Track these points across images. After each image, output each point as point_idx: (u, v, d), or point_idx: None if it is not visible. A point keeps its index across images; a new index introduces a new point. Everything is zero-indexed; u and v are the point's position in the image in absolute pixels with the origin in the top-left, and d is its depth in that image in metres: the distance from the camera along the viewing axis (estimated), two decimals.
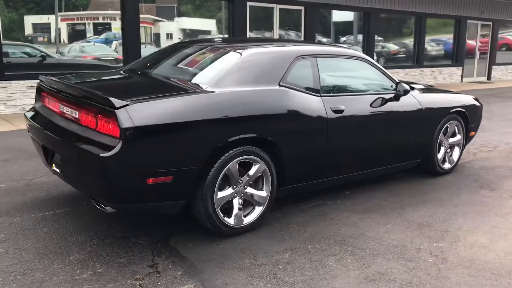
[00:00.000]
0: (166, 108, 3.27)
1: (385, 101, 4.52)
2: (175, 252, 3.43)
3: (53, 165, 3.72)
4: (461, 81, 16.98)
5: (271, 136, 3.69)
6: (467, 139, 5.71)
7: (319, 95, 4.06)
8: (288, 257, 3.38)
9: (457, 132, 5.51)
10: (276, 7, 11.74)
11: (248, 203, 3.77)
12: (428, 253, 3.49)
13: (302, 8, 12.11)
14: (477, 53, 17.71)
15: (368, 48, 13.65)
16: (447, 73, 16.41)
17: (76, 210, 4.09)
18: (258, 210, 3.78)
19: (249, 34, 11.32)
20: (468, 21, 16.72)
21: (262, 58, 3.92)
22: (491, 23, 17.79)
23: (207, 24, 11.31)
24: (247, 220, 3.73)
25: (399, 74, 14.33)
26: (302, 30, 12.26)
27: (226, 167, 3.49)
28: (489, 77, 18.20)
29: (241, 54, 3.86)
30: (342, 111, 4.15)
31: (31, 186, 4.67)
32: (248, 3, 11.07)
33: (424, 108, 4.92)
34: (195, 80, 3.78)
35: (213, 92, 3.51)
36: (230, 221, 3.62)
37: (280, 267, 3.24)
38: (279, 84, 3.85)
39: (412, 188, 5.00)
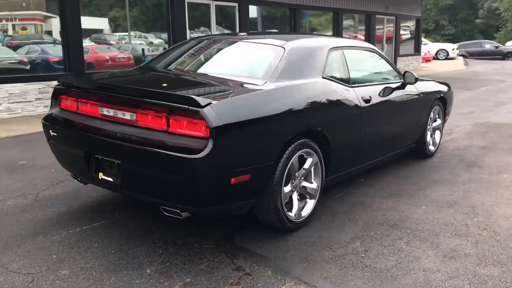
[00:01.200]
0: (244, 104, 3.17)
1: (396, 89, 4.76)
2: (249, 251, 3.33)
3: (100, 174, 3.39)
4: None
5: (321, 127, 3.71)
6: (443, 123, 6.18)
7: (350, 85, 4.16)
8: (361, 245, 3.44)
9: (437, 117, 5.94)
10: (212, 4, 11.64)
11: (302, 196, 3.76)
12: (477, 227, 3.75)
13: (236, 4, 12.14)
14: (385, 45, 19.03)
15: None
16: None
17: (113, 222, 3.77)
18: (311, 203, 3.79)
19: (188, 31, 11.10)
20: (377, 16, 17.90)
21: (304, 51, 3.93)
22: (394, 17, 19.20)
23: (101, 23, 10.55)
24: (304, 213, 3.73)
25: None
26: (237, 25, 12.29)
27: (290, 162, 3.46)
28: None
29: (284, 48, 3.82)
30: (370, 100, 4.29)
31: (43, 201, 4.19)
32: (186, 0, 10.84)
33: (421, 95, 5.25)
34: (249, 75, 3.68)
35: (276, 86, 3.46)
36: (292, 215, 3.60)
37: (363, 255, 3.29)
38: (322, 76, 3.90)
39: (414, 171, 5.31)
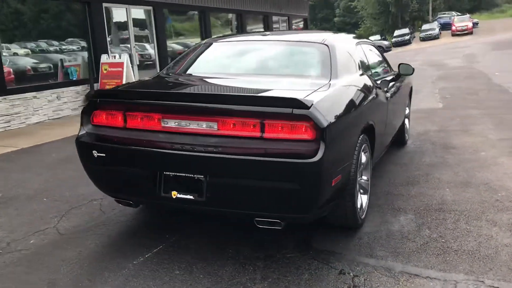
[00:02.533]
0: (336, 101, 3.13)
1: (396, 80, 4.99)
2: (336, 253, 3.25)
3: (174, 192, 3.02)
4: None
5: (372, 121, 3.74)
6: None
7: (374, 79, 4.25)
8: (432, 232, 3.54)
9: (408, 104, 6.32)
10: (129, 8, 11.01)
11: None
12: (509, 201, 4.06)
13: (151, 8, 11.64)
14: None
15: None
16: None
17: (171, 245, 3.41)
18: (365, 198, 3.79)
19: (108, 36, 10.37)
20: (273, 16, 18.45)
21: (343, 47, 3.92)
22: (287, 17, 19.95)
23: None
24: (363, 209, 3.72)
25: None
26: (154, 28, 11.82)
27: (359, 158, 3.43)
28: None
29: (327, 45, 3.77)
30: (388, 91, 4.43)
31: (69, 234, 3.62)
32: (104, 5, 10.10)
33: (404, 85, 5.55)
34: (305, 74, 3.57)
35: (343, 84, 3.41)
36: (361, 213, 3.57)
37: (442, 241, 3.39)
38: (359, 71, 3.93)
39: (404, 158, 5.59)
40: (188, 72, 4.00)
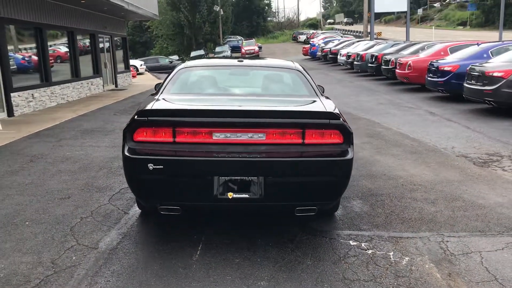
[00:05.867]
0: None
1: None
2: (335, 231, 4.22)
3: (230, 194, 3.61)
4: (104, 90, 18.43)
5: None
6: None
7: None
8: (385, 209, 4.78)
9: None
10: None
11: None
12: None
13: None
14: (107, 63, 19.45)
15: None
16: (95, 84, 17.50)
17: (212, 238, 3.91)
18: None
19: None
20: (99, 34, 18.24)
21: (306, 72, 4.94)
22: (109, 36, 19.86)
23: None
24: None
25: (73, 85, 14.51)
26: None
27: None
28: (116, 85, 20.36)
29: (299, 71, 4.81)
30: None
31: (116, 253, 3.76)
32: None
33: None
34: (296, 94, 4.61)
35: (327, 100, 4.44)
36: None
37: (396, 213, 4.66)
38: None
39: None
40: (196, 92, 4.53)
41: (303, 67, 5.03)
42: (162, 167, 3.57)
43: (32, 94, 12.51)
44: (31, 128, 9.46)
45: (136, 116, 3.67)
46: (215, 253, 3.77)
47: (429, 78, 12.68)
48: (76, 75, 15.81)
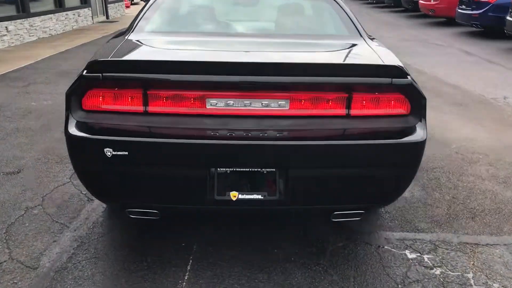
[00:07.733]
0: None
1: None
2: (381, 232, 2.98)
3: (233, 193, 2.31)
4: (93, 23, 16.69)
5: None
6: None
7: None
8: (445, 194, 3.53)
9: None
10: None
11: None
12: None
13: None
14: None
15: None
16: (83, 15, 15.75)
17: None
18: None
19: None
20: None
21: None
22: None
23: None
24: None
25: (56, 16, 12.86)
26: None
27: None
28: (107, 16, 18.55)
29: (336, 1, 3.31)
30: None
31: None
32: None
33: None
34: (333, 33, 3.14)
35: (379, 44, 3.01)
36: None
37: (461, 202, 3.40)
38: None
39: None
40: (184, 30, 3.10)
41: None
42: (126, 153, 2.25)
43: (6, 27, 10.89)
44: None
45: (85, 71, 2.28)
46: (211, 275, 2.54)
47: (460, 11, 11.01)
48: (59, 5, 14.04)
